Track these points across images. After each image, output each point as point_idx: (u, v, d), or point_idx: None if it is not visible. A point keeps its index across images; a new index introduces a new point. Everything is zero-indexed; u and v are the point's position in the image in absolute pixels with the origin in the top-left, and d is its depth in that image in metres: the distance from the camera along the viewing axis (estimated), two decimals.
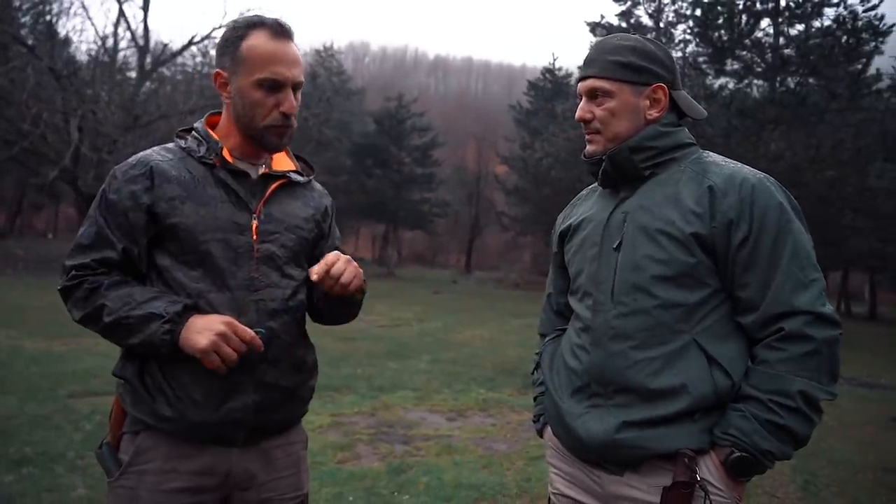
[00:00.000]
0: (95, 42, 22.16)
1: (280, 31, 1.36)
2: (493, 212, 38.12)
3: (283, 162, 1.48)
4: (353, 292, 1.37)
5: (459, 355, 8.50)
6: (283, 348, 1.38)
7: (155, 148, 1.40)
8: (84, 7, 21.81)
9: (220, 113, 1.45)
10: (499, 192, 37.32)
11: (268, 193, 1.40)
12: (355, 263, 1.37)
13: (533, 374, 1.64)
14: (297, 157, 1.53)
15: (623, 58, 1.35)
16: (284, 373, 1.39)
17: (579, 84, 1.42)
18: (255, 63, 1.33)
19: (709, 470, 1.25)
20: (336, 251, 1.38)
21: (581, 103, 1.42)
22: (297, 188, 1.48)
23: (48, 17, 17.64)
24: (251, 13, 1.44)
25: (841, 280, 27.58)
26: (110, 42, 18.46)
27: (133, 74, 20.81)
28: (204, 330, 1.23)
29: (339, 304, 1.45)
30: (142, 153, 1.39)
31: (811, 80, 16.45)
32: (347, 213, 34.97)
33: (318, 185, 1.56)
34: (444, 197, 35.42)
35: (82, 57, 20.07)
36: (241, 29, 1.35)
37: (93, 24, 33.89)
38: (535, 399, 1.60)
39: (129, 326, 1.25)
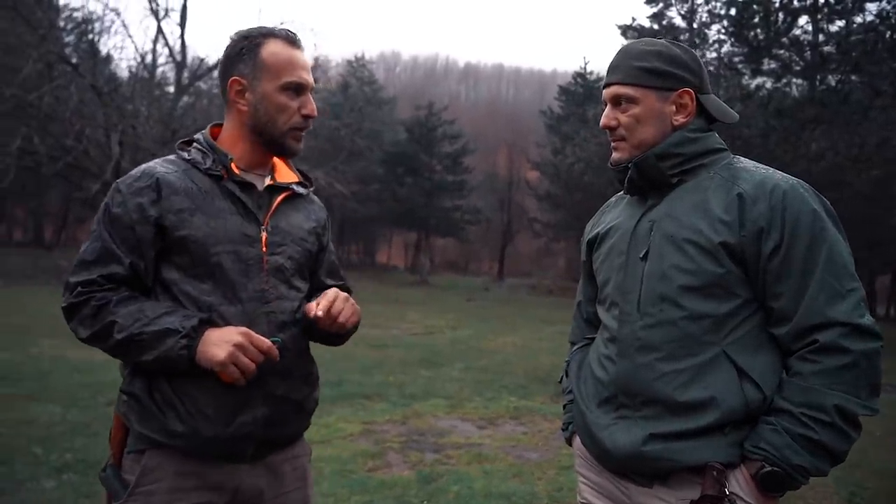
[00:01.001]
0: (135, 59, 22.95)
1: (293, 39, 1.40)
2: (526, 218, 37.94)
3: (285, 173, 1.48)
4: (344, 328, 1.38)
5: (491, 363, 8.45)
6: (292, 360, 1.38)
7: (157, 160, 1.38)
8: (124, 25, 22.70)
9: (220, 125, 1.45)
10: (531, 198, 37.15)
11: (275, 205, 1.40)
12: (353, 300, 1.38)
13: (561, 381, 1.62)
14: (297, 170, 1.53)
15: (648, 63, 1.32)
16: (293, 385, 1.39)
17: (604, 91, 1.40)
18: (278, 68, 1.35)
19: (738, 484, 1.21)
20: (335, 289, 1.38)
21: (606, 110, 1.39)
22: (300, 200, 1.48)
23: (90, 36, 18.31)
24: (283, 26, 1.46)
25: (891, 283, 26.59)
26: (149, 58, 19.08)
27: (171, 89, 21.42)
28: (221, 342, 1.23)
29: (331, 336, 1.45)
30: (145, 165, 1.37)
31: (853, 78, 15.94)
32: (379, 222, 35.31)
33: (316, 198, 1.57)
34: (476, 204, 35.43)
35: (123, 73, 20.78)
36: (257, 38, 1.37)
37: (133, 41, 35.12)
38: (564, 407, 1.58)
39: (143, 343, 1.23)
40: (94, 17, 19.83)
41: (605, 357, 1.37)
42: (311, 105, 1.40)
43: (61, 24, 20.18)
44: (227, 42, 1.41)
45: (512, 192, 39.74)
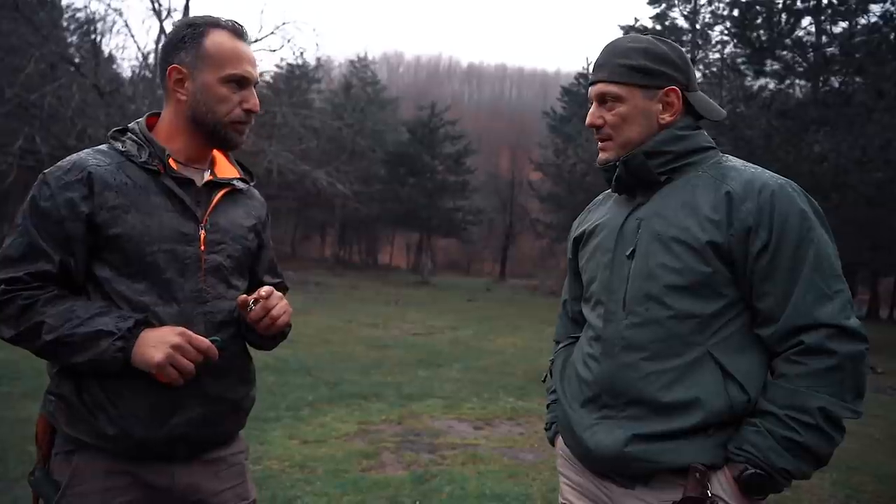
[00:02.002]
0: (137, 58, 22.98)
1: (240, 31, 1.35)
2: (528, 219, 37.91)
3: (225, 168, 1.44)
4: (280, 329, 1.35)
5: (491, 363, 8.43)
6: (229, 360, 1.34)
7: (87, 151, 1.31)
8: (127, 25, 22.46)
9: (158, 114, 1.39)
10: (533, 199, 37.14)
11: (214, 202, 1.35)
12: (285, 301, 1.35)
13: (545, 381, 1.61)
14: (238, 163, 1.49)
15: (633, 61, 1.31)
16: (229, 385, 1.36)
17: (590, 89, 1.38)
18: (222, 59, 1.30)
19: (721, 486, 1.20)
20: (269, 286, 1.33)
21: (592, 108, 1.37)
22: (239, 196, 1.43)
23: (93, 36, 18.30)
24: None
25: (894, 286, 26.48)
26: (151, 58, 19.05)
27: None
28: (158, 343, 1.18)
29: (262, 338, 1.41)
30: (75, 156, 1.30)
31: (857, 79, 15.87)
32: (381, 222, 35.32)
33: (256, 193, 1.51)
34: (478, 204, 35.47)
35: (125, 73, 20.80)
36: (202, 27, 1.32)
37: (135, 41, 35.27)
38: (547, 406, 1.57)
39: (74, 345, 1.18)
40: (97, 17, 19.81)
41: (589, 356, 1.36)
42: (254, 99, 1.35)
43: (64, 24, 20.21)
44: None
45: (514, 193, 39.73)
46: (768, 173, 1.27)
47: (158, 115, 1.40)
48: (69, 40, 19.79)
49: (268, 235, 1.53)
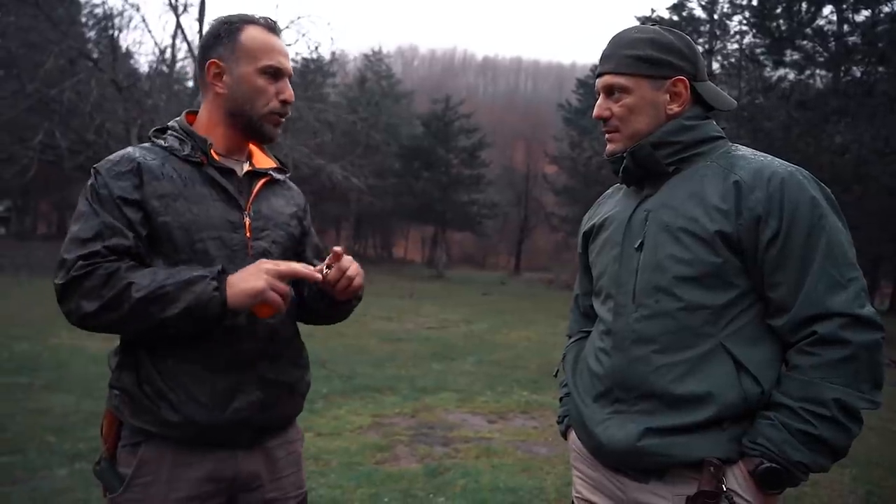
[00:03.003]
0: (154, 53, 23.15)
1: (272, 26, 1.39)
2: (543, 212, 37.82)
3: (263, 159, 1.48)
4: (356, 290, 1.37)
5: (505, 357, 8.43)
6: (283, 344, 1.39)
7: (133, 147, 1.36)
8: (144, 20, 22.75)
9: (195, 112, 1.44)
10: (548, 193, 37.04)
11: (255, 190, 1.40)
12: (356, 264, 1.36)
13: (556, 375, 1.61)
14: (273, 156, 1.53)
15: (639, 51, 1.29)
16: (285, 368, 1.39)
17: (596, 81, 1.37)
18: (257, 52, 1.35)
19: (737, 481, 1.18)
20: (340, 248, 1.34)
21: (599, 100, 1.36)
22: (278, 186, 1.48)
23: (111, 32, 18.46)
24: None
25: None
26: (168, 53, 19.22)
27: (190, 84, 21.61)
28: (250, 276, 1.21)
29: (337, 305, 1.44)
30: (122, 151, 1.35)
31: (879, 69, 15.55)
32: (396, 216, 35.38)
33: (292, 184, 1.56)
34: (493, 198, 35.34)
35: (142, 68, 20.98)
36: (237, 23, 1.37)
37: (152, 36, 35.57)
38: (560, 400, 1.56)
39: (167, 296, 1.18)
40: (115, 12, 19.98)
41: (600, 350, 1.35)
42: (289, 91, 1.39)
43: (82, 19, 20.44)
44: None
45: (529, 186, 39.60)
46: (778, 161, 1.24)
47: (195, 113, 1.44)
48: (87, 36, 20.01)
49: (309, 223, 1.57)
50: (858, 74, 15.98)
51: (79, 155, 17.13)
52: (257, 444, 1.36)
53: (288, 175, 1.54)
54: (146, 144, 1.37)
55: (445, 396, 5.87)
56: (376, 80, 35.47)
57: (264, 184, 1.42)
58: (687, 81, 1.30)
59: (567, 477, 3.83)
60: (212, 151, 1.35)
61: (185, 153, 1.33)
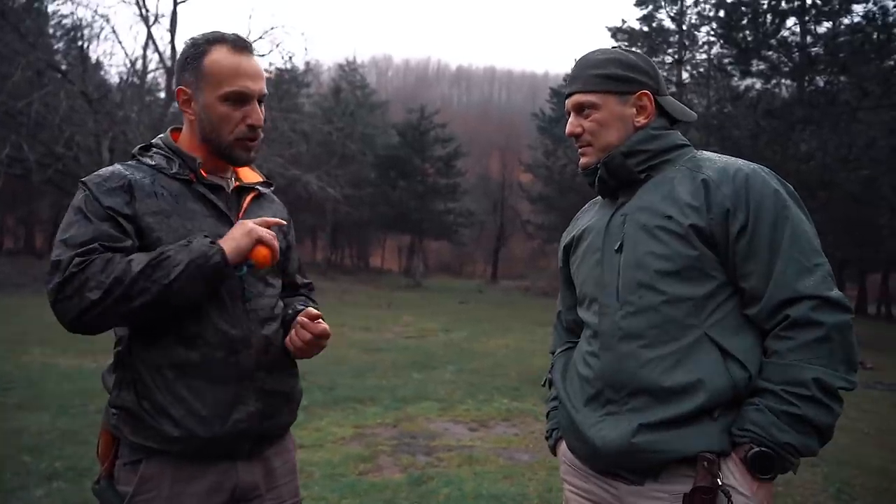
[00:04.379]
0: (125, 65, 22.79)
1: (240, 44, 1.35)
2: (519, 220, 38.05)
3: (248, 174, 1.51)
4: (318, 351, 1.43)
5: (484, 365, 8.46)
6: (277, 354, 1.41)
7: (117, 165, 1.34)
8: (114, 31, 22.44)
9: (180, 129, 1.44)
10: (523, 201, 37.27)
11: (245, 205, 1.42)
12: (325, 324, 1.40)
13: (544, 385, 1.63)
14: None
15: (605, 70, 1.38)
16: (280, 378, 1.41)
17: (566, 101, 1.45)
18: (219, 77, 1.32)
19: (732, 474, 1.20)
20: (321, 319, 1.39)
21: (570, 119, 1.44)
22: (265, 200, 1.50)
23: (80, 43, 18.16)
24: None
25: (881, 282, 26.74)
26: (139, 64, 18.96)
27: (162, 95, 21.32)
28: (236, 231, 1.29)
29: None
30: (109, 167, 1.34)
31: (841, 79, 16.07)
32: (372, 226, 35.26)
33: (276, 198, 1.58)
34: (469, 207, 35.47)
35: (113, 80, 20.65)
36: (202, 45, 1.34)
37: (122, 47, 35.00)
38: (547, 415, 1.58)
39: (169, 259, 1.19)
40: (84, 23, 19.67)
41: (588, 354, 1.38)
42: (256, 114, 1.35)
43: (50, 30, 20.06)
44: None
45: (505, 195, 39.86)
46: (741, 161, 1.33)
47: (179, 130, 1.44)
48: (56, 47, 19.66)
49: (293, 237, 1.59)
50: (822, 84, 16.48)
51: (47, 168, 16.79)
52: (256, 454, 1.38)
53: (272, 189, 1.56)
54: (131, 162, 1.37)
55: (427, 406, 5.89)
56: (351, 90, 35.38)
57: (253, 198, 1.44)
58: (651, 95, 1.38)
59: (550, 483, 3.88)
60: (200, 169, 1.36)
61: (174, 171, 1.34)
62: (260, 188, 1.48)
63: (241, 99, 1.34)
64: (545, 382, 1.62)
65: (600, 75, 1.38)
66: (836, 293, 1.21)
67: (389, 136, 34.40)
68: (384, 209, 32.39)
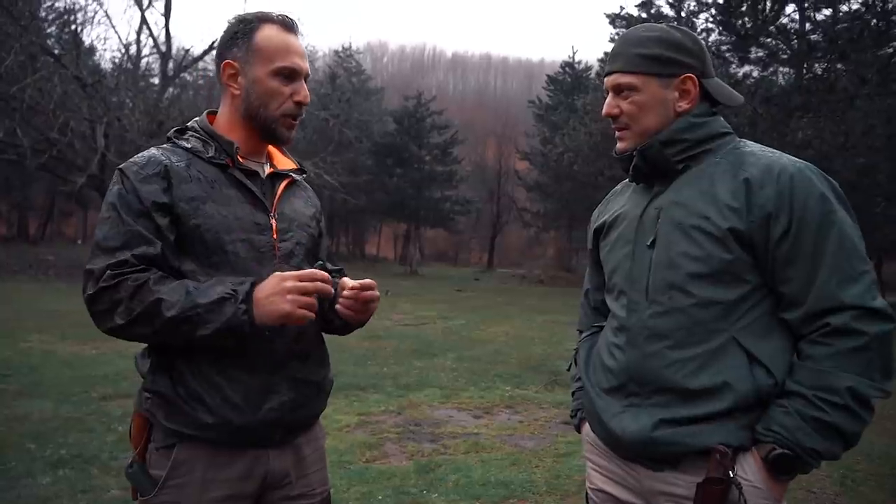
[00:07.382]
0: (119, 50, 22.57)
1: (289, 24, 1.37)
2: (515, 208, 38.08)
3: (282, 160, 1.49)
4: (367, 317, 1.42)
5: (484, 352, 8.47)
6: (309, 344, 1.40)
7: (154, 149, 1.33)
8: (108, 16, 22.34)
9: (215, 112, 1.43)
10: (520, 189, 37.26)
11: (279, 192, 1.40)
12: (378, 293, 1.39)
13: (569, 369, 1.62)
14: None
15: (648, 50, 1.31)
16: (312, 367, 1.41)
17: (605, 79, 1.38)
18: (271, 53, 1.33)
19: (749, 467, 1.20)
20: (370, 280, 1.38)
21: (608, 99, 1.37)
22: (297, 187, 1.49)
23: (73, 27, 17.96)
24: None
25: (876, 269, 26.91)
26: (133, 49, 18.79)
27: (156, 80, 21.14)
28: (273, 296, 1.20)
29: (343, 325, 1.48)
30: (147, 152, 1.33)
31: (839, 66, 16.04)
32: (369, 213, 35.19)
33: (308, 185, 1.57)
34: (465, 194, 35.42)
35: (107, 65, 20.45)
36: (253, 21, 1.35)
37: (116, 32, 34.72)
38: (573, 394, 1.58)
39: (198, 318, 1.17)
40: (77, 7, 19.46)
41: (614, 346, 1.36)
42: (304, 92, 1.37)
43: (43, 14, 19.80)
44: (219, 29, 1.40)
45: (501, 183, 39.83)
46: (787, 157, 1.27)
47: (215, 113, 1.42)
48: (49, 31, 19.42)
49: (324, 225, 1.58)
50: (820, 71, 16.45)
51: (42, 154, 16.65)
52: (287, 442, 1.37)
53: (304, 176, 1.54)
54: (167, 146, 1.35)
55: (429, 393, 5.89)
56: (347, 77, 35.17)
57: (286, 185, 1.43)
58: (696, 79, 1.32)
59: (555, 470, 3.89)
60: (237, 154, 1.34)
61: (210, 155, 1.32)
62: (294, 175, 1.47)
63: (291, 75, 1.34)
64: (571, 364, 1.61)
65: (643, 55, 1.31)
66: (879, 302, 1.18)
67: (386, 123, 34.24)
68: (381, 197, 32.30)
